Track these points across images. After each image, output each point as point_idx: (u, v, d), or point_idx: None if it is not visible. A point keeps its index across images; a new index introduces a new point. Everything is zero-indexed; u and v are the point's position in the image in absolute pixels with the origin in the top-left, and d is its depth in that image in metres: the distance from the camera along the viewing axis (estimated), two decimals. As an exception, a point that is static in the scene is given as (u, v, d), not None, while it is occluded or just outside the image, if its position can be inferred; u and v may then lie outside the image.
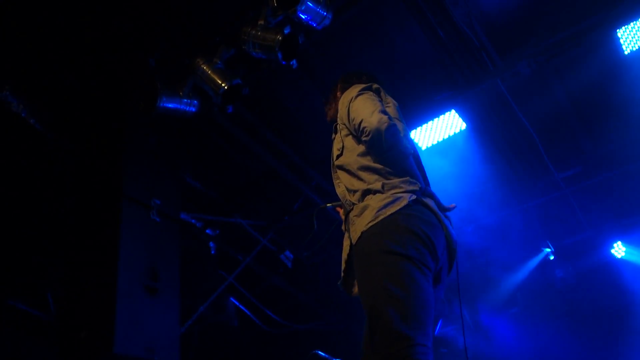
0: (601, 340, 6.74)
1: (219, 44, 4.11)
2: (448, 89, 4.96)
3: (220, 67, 4.09)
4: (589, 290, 7.04)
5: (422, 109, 5.11)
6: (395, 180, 2.42)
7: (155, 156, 4.46)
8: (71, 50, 4.14)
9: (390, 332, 2.07)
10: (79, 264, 3.99)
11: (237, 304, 6.37)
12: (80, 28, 4.03)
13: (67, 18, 3.97)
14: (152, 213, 4.16)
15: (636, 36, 4.75)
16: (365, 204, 2.39)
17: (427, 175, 2.70)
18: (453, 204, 2.55)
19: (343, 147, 2.61)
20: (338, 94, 2.89)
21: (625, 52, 4.87)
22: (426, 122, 5.39)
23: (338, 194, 2.62)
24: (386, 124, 2.39)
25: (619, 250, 6.88)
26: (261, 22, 3.85)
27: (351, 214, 2.45)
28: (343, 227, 2.63)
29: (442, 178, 5.17)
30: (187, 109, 4.21)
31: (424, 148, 5.56)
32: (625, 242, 6.85)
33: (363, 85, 2.66)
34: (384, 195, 2.37)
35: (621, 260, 6.92)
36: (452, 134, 5.49)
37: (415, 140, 5.45)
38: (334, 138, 2.73)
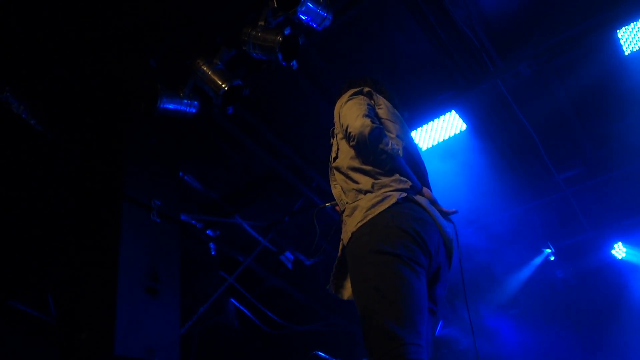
0: (601, 341, 6.74)
1: (220, 45, 4.12)
2: (448, 90, 4.96)
3: (221, 68, 4.09)
4: (590, 291, 7.05)
5: (422, 109, 5.11)
6: (385, 180, 2.44)
7: (155, 156, 4.46)
8: (71, 50, 4.14)
9: (382, 333, 2.09)
10: (79, 265, 3.98)
11: (238, 304, 6.37)
12: (80, 28, 4.03)
13: (67, 18, 3.97)
14: (152, 214, 4.16)
15: (636, 37, 4.75)
16: (355, 205, 2.42)
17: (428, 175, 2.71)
18: (454, 209, 2.55)
19: (338, 149, 2.65)
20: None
21: (626, 53, 4.87)
22: (426, 122, 5.40)
23: (334, 195, 2.65)
24: (369, 128, 2.42)
25: (619, 251, 6.89)
26: (261, 23, 3.85)
27: (344, 215, 2.49)
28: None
29: (442, 179, 5.16)
30: (188, 109, 4.23)
31: (424, 149, 5.55)
32: (626, 242, 6.86)
33: (355, 90, 2.70)
34: (373, 195, 2.39)
35: (622, 261, 6.93)
36: (452, 134, 5.49)
37: (416, 141, 5.44)
38: (332, 143, 2.78)
